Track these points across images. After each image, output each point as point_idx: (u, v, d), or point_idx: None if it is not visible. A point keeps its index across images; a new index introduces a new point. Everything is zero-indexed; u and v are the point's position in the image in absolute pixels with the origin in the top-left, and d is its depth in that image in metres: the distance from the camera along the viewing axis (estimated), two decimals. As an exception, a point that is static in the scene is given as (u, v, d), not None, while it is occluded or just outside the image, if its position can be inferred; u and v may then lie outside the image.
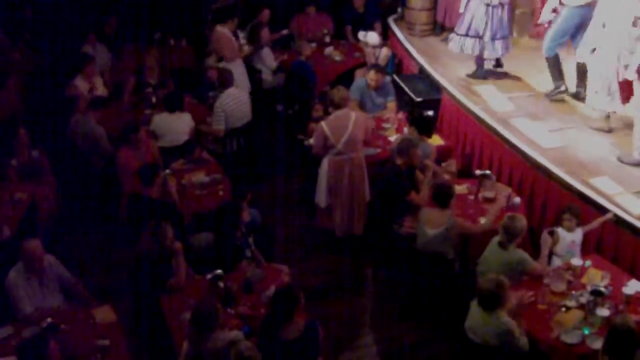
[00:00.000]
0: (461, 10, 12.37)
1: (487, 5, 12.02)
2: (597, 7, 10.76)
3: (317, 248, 10.90)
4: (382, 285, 10.21)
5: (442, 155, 11.22)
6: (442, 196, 9.06)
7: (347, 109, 10.43)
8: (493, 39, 12.20)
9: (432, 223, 9.01)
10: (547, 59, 11.84)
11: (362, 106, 12.12)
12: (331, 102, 10.60)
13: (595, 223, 9.07)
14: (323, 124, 10.38)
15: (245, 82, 13.10)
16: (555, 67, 11.85)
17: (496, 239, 8.35)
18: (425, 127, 10.71)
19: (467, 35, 12.25)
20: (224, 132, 11.61)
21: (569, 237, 8.91)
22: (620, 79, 10.31)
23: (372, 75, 12.00)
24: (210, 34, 13.85)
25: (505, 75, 12.98)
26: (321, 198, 10.51)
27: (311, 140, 10.84)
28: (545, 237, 8.76)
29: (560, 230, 8.95)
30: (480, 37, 12.17)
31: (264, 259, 9.02)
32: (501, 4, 12.07)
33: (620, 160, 10.29)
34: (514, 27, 14.31)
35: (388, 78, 12.72)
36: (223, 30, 13.23)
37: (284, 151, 12.90)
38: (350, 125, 10.24)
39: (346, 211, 10.54)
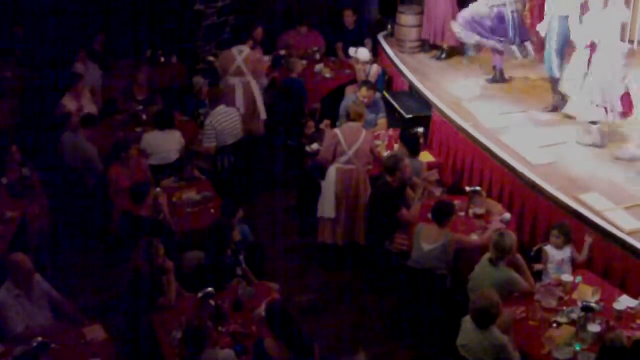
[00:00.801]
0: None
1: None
2: (579, 29, 10.83)
3: (309, 265, 10.90)
4: (373, 301, 10.19)
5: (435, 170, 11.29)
6: (440, 214, 9.09)
7: (359, 124, 10.62)
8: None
9: (428, 238, 9.02)
10: (552, 78, 11.95)
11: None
12: (347, 114, 10.79)
13: (585, 251, 9.07)
14: (336, 130, 10.71)
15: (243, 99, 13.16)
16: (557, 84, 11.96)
17: (487, 255, 8.35)
18: (414, 145, 10.72)
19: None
20: (214, 149, 11.60)
21: (558, 255, 8.91)
22: (620, 92, 10.36)
23: (363, 92, 12.02)
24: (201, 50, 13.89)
25: (497, 91, 13.02)
26: (329, 208, 10.50)
27: (314, 146, 10.94)
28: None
29: (548, 248, 8.97)
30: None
31: (254, 277, 9.01)
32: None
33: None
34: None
35: (378, 94, 12.74)
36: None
37: (277, 168, 12.92)
38: (361, 138, 10.45)
39: (350, 221, 10.57)
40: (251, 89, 13.13)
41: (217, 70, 13.60)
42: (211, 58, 14.55)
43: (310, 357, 7.28)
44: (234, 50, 13.12)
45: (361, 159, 10.49)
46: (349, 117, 10.70)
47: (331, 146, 10.48)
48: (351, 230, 10.62)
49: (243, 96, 13.03)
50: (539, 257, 9.06)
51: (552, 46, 11.80)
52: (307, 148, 11.39)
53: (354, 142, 10.42)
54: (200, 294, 8.10)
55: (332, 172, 10.46)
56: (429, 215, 9.48)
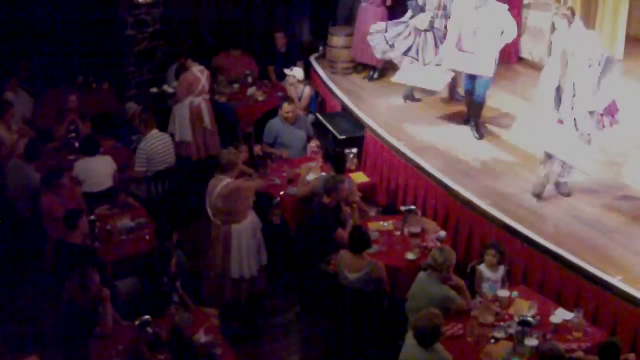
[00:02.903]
0: None
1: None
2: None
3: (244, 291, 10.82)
4: (310, 324, 10.17)
5: (367, 192, 11.29)
6: (357, 244, 9.06)
7: (222, 176, 9.81)
8: None
9: (350, 267, 8.98)
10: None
11: (283, 144, 12.18)
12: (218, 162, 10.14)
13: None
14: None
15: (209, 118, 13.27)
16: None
17: (423, 273, 8.38)
18: (339, 164, 10.73)
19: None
20: (144, 173, 11.54)
21: (492, 275, 8.95)
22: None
23: (285, 108, 12.04)
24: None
25: (432, 108, 13.17)
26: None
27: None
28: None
29: (482, 267, 9.01)
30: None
31: (192, 303, 8.95)
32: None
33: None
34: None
35: (301, 112, 12.87)
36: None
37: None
38: (215, 192, 9.77)
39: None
40: (211, 107, 13.29)
41: (151, 96, 13.59)
42: (154, 89, 14.52)
43: None
44: (196, 71, 13.09)
45: (218, 215, 9.91)
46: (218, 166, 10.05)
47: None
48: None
49: (208, 114, 13.16)
50: (474, 275, 9.10)
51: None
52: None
53: (210, 196, 9.89)
54: (137, 322, 8.01)
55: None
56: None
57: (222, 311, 9.38)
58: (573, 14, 10.51)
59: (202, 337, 8.01)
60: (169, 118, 13.14)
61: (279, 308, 10.47)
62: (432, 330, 7.25)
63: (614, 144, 11.14)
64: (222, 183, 9.65)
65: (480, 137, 12.02)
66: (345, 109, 13.56)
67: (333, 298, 9.40)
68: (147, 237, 10.14)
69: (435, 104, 13.35)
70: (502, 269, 8.99)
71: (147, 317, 8.03)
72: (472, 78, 11.97)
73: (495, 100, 13.05)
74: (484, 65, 11.65)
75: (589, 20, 13.84)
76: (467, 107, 12.40)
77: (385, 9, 14.16)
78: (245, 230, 9.83)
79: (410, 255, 9.44)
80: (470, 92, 12.12)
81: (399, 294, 8.97)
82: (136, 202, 11.04)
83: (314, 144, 12.32)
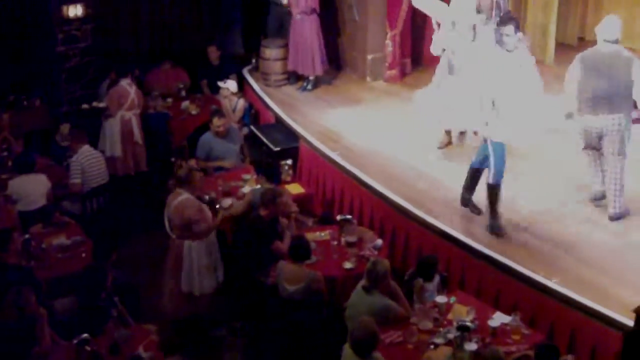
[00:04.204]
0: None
1: None
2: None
3: (185, 305, 10.74)
4: (251, 336, 10.13)
5: (303, 202, 11.29)
6: (298, 253, 9.08)
7: (180, 191, 9.84)
8: None
9: (291, 279, 8.97)
10: None
11: (217, 158, 12.13)
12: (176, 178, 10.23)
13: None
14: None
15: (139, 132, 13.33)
16: None
17: (361, 283, 8.40)
18: (272, 173, 10.72)
19: None
20: (81, 186, 11.46)
21: (428, 285, 8.98)
22: None
23: (216, 122, 12.00)
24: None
25: (365, 118, 13.26)
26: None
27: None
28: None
29: (419, 279, 9.05)
30: None
31: (131, 319, 8.88)
32: None
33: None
34: (368, 71, 14.65)
35: (234, 124, 12.90)
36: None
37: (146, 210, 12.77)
38: (172, 206, 9.83)
39: None
40: (140, 122, 13.28)
41: (83, 112, 13.48)
42: (85, 106, 14.38)
43: None
44: (125, 84, 13.12)
45: (174, 230, 9.87)
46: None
47: None
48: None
49: (139, 129, 13.18)
50: (412, 282, 9.12)
51: None
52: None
53: (168, 210, 9.88)
54: (75, 341, 7.92)
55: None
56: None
57: (164, 325, 9.34)
58: None
59: (141, 353, 7.95)
60: (99, 135, 13.09)
61: (222, 322, 10.43)
62: (369, 339, 7.25)
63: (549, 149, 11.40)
64: (179, 197, 9.68)
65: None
66: (279, 120, 13.58)
67: (272, 309, 9.38)
68: (84, 254, 10.02)
69: (370, 114, 13.42)
70: (437, 277, 9.04)
71: (85, 335, 7.94)
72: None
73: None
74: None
75: (520, 27, 14.00)
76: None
77: (318, 19, 14.26)
78: (199, 248, 9.81)
79: (347, 265, 9.46)
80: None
81: (338, 303, 8.97)
82: (71, 219, 10.94)
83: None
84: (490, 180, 9.72)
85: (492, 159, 9.64)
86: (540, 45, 14.61)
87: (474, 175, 10.15)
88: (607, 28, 9.60)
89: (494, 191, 9.75)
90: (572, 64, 9.86)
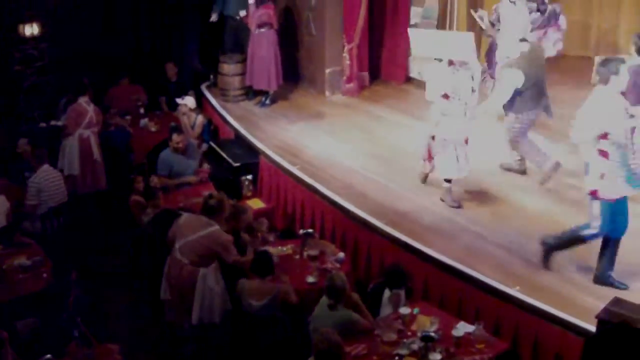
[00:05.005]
0: None
1: None
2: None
3: (149, 323, 10.69)
4: (218, 351, 10.07)
5: (264, 217, 11.28)
6: (262, 267, 9.06)
7: (208, 220, 9.44)
8: None
9: (255, 295, 8.93)
10: None
11: (177, 175, 12.09)
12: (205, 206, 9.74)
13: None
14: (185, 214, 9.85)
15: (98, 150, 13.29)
16: None
17: (325, 300, 8.38)
18: (234, 190, 10.67)
19: None
20: (34, 208, 11.38)
21: (402, 293, 8.98)
22: None
23: (175, 138, 11.98)
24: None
25: (324, 132, 13.32)
26: (163, 289, 9.81)
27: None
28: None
29: (386, 289, 9.06)
30: None
31: (94, 339, 8.81)
32: None
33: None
34: (326, 85, 14.70)
35: (192, 140, 12.89)
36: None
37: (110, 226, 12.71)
38: (200, 234, 9.34)
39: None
40: (99, 140, 13.24)
41: (41, 131, 13.41)
42: (43, 124, 14.32)
43: None
44: (83, 103, 13.08)
45: (188, 254, 9.31)
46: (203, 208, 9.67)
47: (174, 227, 9.63)
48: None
49: (97, 147, 13.13)
50: (376, 293, 9.13)
51: None
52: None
53: (187, 234, 9.40)
54: (37, 362, 7.88)
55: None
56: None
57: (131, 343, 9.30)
58: None
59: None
60: (58, 153, 13.03)
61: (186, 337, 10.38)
62: (333, 351, 7.24)
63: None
64: (210, 228, 9.29)
65: None
66: (238, 136, 13.57)
67: (236, 324, 9.34)
68: (45, 275, 9.96)
69: (329, 128, 13.48)
70: (402, 291, 9.04)
71: (48, 356, 7.89)
72: None
73: (387, 120, 13.25)
74: None
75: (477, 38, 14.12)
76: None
77: (275, 34, 14.30)
78: (215, 274, 9.44)
79: (310, 279, 9.45)
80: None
81: (302, 317, 8.96)
82: (31, 239, 10.85)
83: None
84: None
85: None
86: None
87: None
88: None
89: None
90: None
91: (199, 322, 9.38)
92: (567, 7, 14.65)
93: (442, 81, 10.44)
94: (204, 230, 9.29)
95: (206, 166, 12.50)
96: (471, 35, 10.53)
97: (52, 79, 15.06)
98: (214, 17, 15.10)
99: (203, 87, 15.64)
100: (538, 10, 13.43)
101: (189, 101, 13.78)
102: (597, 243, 8.99)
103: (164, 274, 9.65)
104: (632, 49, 10.41)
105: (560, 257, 9.32)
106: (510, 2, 12.60)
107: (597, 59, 11.67)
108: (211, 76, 15.72)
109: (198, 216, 9.50)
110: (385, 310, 8.88)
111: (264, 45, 14.18)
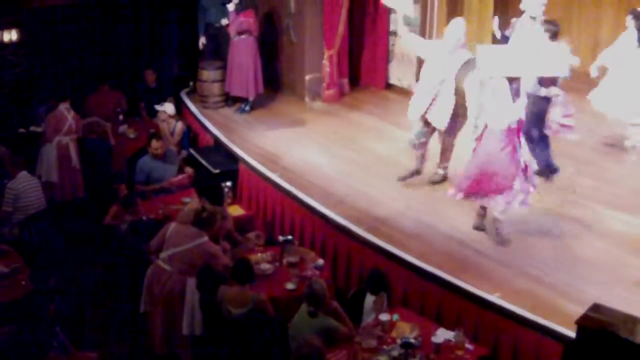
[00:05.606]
0: None
1: None
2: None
3: (128, 331, 10.64)
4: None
5: (244, 224, 11.27)
6: (242, 275, 9.02)
7: (198, 231, 9.46)
8: None
9: (234, 302, 8.87)
10: None
11: (156, 181, 12.05)
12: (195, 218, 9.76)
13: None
14: (173, 223, 9.79)
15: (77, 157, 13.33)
16: None
17: (306, 307, 8.35)
18: (216, 196, 10.61)
19: None
20: (9, 214, 11.29)
21: (385, 298, 8.99)
22: None
23: (154, 144, 11.96)
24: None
25: (304, 138, 13.32)
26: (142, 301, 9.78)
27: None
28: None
29: (367, 295, 9.05)
30: None
31: (73, 347, 8.76)
32: None
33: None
34: (306, 92, 14.69)
35: (173, 147, 12.89)
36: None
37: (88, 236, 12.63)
38: (189, 245, 9.40)
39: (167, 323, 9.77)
40: (78, 147, 13.24)
41: (19, 137, 13.35)
42: (22, 130, 14.28)
43: None
44: (63, 109, 13.09)
45: (177, 264, 9.42)
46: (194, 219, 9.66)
47: (160, 237, 9.67)
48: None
49: (76, 154, 13.14)
50: (357, 300, 9.13)
51: None
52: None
53: (177, 245, 9.49)
54: (15, 371, 7.82)
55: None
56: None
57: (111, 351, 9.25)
58: None
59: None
60: (36, 160, 13.00)
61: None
62: (314, 356, 7.24)
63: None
64: (200, 239, 9.37)
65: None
66: (218, 143, 13.54)
67: (215, 332, 9.30)
68: (23, 282, 9.88)
69: (309, 135, 13.50)
70: (384, 295, 9.04)
71: (25, 364, 7.85)
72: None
73: (367, 126, 13.26)
74: None
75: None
76: None
77: (255, 41, 14.30)
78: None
79: (290, 286, 9.43)
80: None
81: (281, 324, 8.93)
82: (9, 247, 10.79)
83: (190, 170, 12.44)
84: None
85: None
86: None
87: None
88: None
89: None
90: None
91: (191, 333, 9.42)
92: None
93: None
94: (194, 241, 9.37)
95: (189, 170, 12.46)
96: (568, 46, 10.45)
97: (30, 86, 14.99)
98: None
99: (182, 94, 15.60)
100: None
101: (168, 108, 13.72)
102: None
103: (145, 286, 9.63)
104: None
105: (542, 263, 9.38)
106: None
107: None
108: (190, 83, 15.68)
109: (187, 226, 9.52)
110: (369, 316, 8.87)
111: (242, 52, 14.17)
